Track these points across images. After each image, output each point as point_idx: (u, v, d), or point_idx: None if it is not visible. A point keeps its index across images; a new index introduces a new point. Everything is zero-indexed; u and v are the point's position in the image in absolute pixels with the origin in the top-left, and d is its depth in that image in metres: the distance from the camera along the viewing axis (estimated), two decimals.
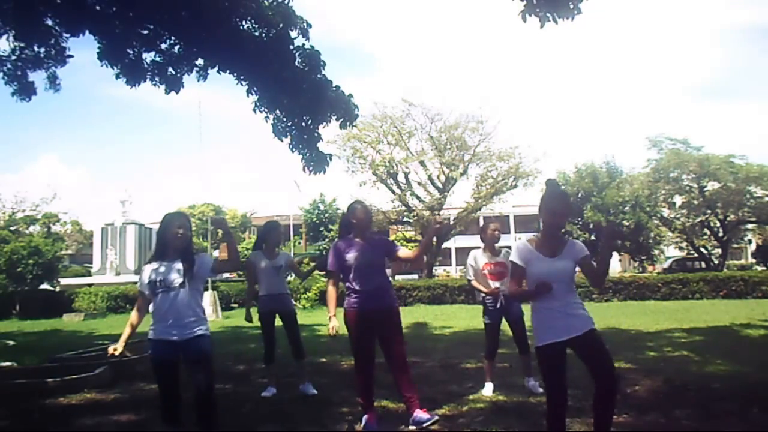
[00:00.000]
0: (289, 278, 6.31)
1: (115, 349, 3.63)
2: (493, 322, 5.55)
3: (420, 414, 4.27)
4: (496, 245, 5.57)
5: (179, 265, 3.62)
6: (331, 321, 4.40)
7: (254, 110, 8.87)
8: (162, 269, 3.63)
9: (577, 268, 3.46)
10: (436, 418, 4.29)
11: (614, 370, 3.33)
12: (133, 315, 3.77)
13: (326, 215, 43.89)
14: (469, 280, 5.69)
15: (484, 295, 5.54)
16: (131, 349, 8.58)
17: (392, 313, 4.47)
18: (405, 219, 28.77)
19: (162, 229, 3.73)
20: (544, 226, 3.45)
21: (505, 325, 5.56)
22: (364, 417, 4.36)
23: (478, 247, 5.71)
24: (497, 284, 5.41)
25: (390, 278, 4.65)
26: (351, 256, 4.42)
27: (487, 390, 5.41)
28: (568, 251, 3.39)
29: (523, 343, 5.50)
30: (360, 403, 4.46)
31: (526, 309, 5.44)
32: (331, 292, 4.50)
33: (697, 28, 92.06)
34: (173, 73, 8.75)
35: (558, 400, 3.32)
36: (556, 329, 3.30)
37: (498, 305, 5.43)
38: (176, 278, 3.59)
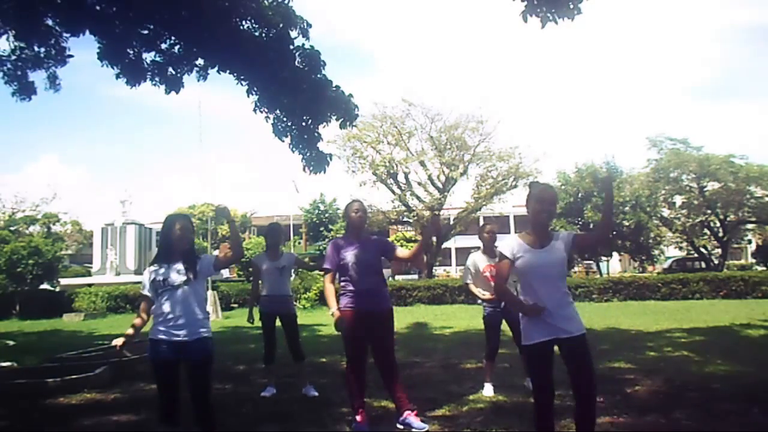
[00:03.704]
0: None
1: (118, 345, 3.62)
2: (493, 324, 5.55)
3: (412, 418, 4.28)
4: (496, 246, 5.55)
5: (181, 266, 3.63)
6: (335, 316, 4.35)
7: (254, 110, 8.87)
8: (164, 270, 3.64)
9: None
10: (426, 428, 4.25)
11: (593, 381, 3.28)
12: (137, 319, 3.73)
13: (326, 215, 43.88)
14: (467, 284, 5.68)
15: (482, 300, 5.55)
16: (131, 349, 8.61)
17: (385, 315, 4.46)
18: (405, 219, 28.78)
19: (165, 230, 3.74)
20: (533, 216, 3.41)
21: (505, 326, 5.56)
22: (356, 418, 4.36)
23: (478, 248, 5.71)
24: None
25: (385, 279, 4.66)
26: (347, 255, 4.44)
27: (488, 391, 5.41)
28: (557, 242, 3.37)
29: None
30: (351, 404, 4.46)
31: None
32: (330, 289, 4.47)
33: (697, 28, 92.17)
34: (173, 73, 8.75)
35: (544, 400, 3.30)
36: (544, 329, 3.27)
37: (499, 307, 5.42)
38: (179, 277, 3.59)
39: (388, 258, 4.66)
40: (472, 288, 5.59)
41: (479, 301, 5.65)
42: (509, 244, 3.41)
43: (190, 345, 3.54)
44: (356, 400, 4.40)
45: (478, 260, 5.56)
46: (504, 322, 5.51)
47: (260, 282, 5.98)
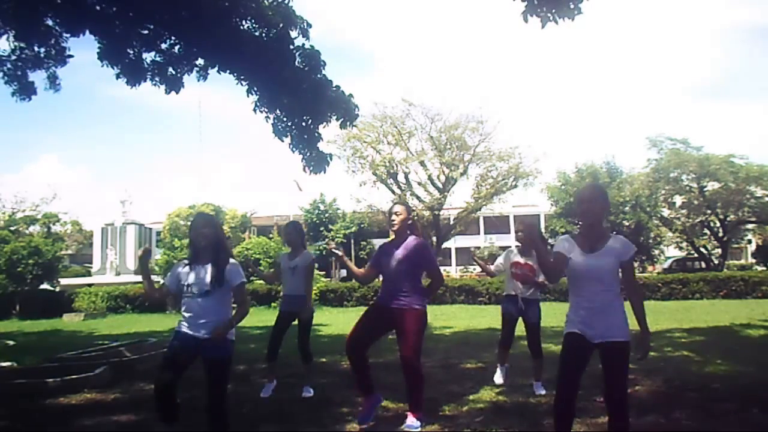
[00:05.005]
0: None
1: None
2: (510, 315, 5.64)
3: (410, 419, 4.30)
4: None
5: (209, 270, 3.66)
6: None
7: (254, 110, 8.88)
8: (193, 273, 3.69)
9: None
10: (417, 428, 4.25)
11: (623, 390, 3.26)
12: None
13: (326, 215, 43.81)
14: (488, 265, 5.92)
15: (506, 294, 5.71)
16: (131, 349, 8.61)
17: (405, 315, 4.36)
18: None
19: (190, 233, 3.82)
20: (579, 217, 3.46)
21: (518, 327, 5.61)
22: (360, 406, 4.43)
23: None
24: (519, 286, 5.49)
25: (419, 281, 4.56)
26: (382, 259, 4.55)
27: (498, 377, 5.47)
28: (609, 248, 3.26)
29: (536, 348, 5.51)
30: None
31: (545, 312, 5.51)
32: (358, 270, 4.78)
33: (697, 28, 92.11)
34: (173, 73, 8.76)
35: (563, 395, 3.27)
36: (579, 323, 3.27)
37: (517, 306, 5.52)
38: (204, 285, 3.64)
39: (424, 269, 4.62)
40: (484, 265, 5.88)
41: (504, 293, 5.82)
42: (561, 243, 3.43)
43: (209, 344, 3.58)
44: (358, 383, 4.49)
45: (512, 255, 5.66)
46: (521, 321, 5.60)
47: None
